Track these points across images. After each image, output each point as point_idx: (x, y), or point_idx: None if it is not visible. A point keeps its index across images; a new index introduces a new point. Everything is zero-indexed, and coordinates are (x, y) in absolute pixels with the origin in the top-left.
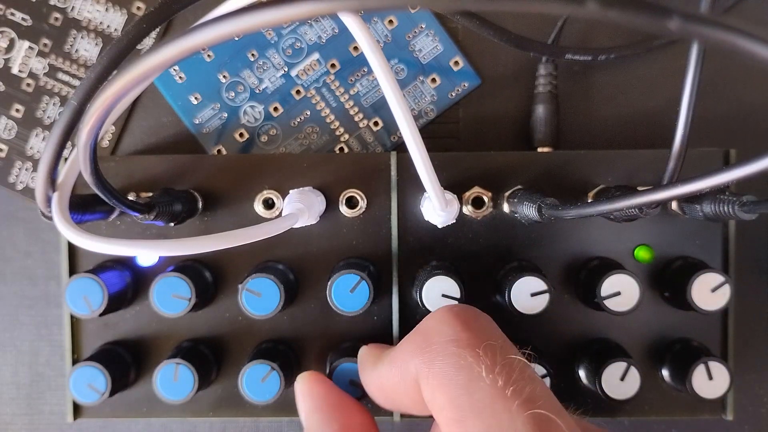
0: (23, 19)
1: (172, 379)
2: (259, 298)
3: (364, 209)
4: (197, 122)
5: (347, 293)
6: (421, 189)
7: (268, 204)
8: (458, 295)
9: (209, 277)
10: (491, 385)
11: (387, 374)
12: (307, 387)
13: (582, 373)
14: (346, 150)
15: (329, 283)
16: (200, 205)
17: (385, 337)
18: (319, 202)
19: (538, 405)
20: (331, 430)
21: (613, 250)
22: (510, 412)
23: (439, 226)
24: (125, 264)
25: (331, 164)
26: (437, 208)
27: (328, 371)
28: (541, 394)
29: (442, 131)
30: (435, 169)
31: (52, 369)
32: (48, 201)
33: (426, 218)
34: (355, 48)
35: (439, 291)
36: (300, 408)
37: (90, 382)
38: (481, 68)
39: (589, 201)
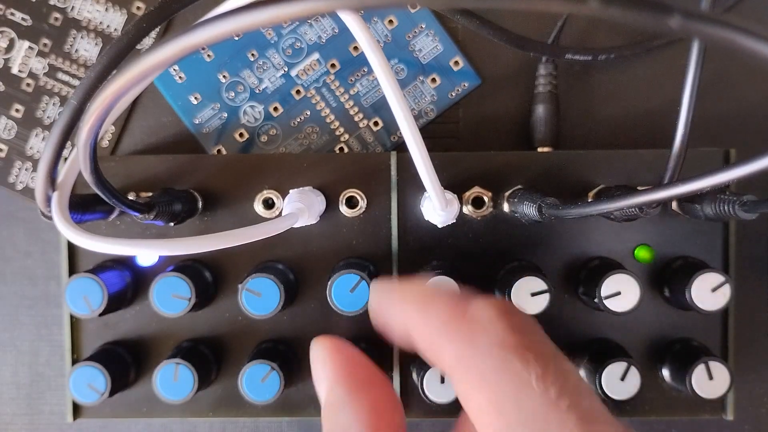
0: (23, 19)
1: (172, 379)
2: (259, 298)
3: (364, 209)
4: (197, 122)
5: (347, 293)
6: (421, 189)
7: (268, 204)
8: None
9: (209, 277)
10: (542, 394)
11: (415, 326)
12: (329, 355)
13: (582, 373)
14: (346, 150)
15: (329, 283)
16: (200, 205)
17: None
18: (319, 202)
19: (597, 422)
20: (358, 409)
21: (613, 250)
22: (565, 426)
23: (439, 226)
24: (125, 264)
25: (331, 164)
26: (437, 208)
27: None
28: (601, 411)
29: (442, 131)
30: (435, 169)
31: (52, 369)
32: (48, 201)
33: (426, 218)
34: (355, 48)
35: None
36: (318, 378)
37: (90, 382)
38: (481, 68)
39: (589, 201)
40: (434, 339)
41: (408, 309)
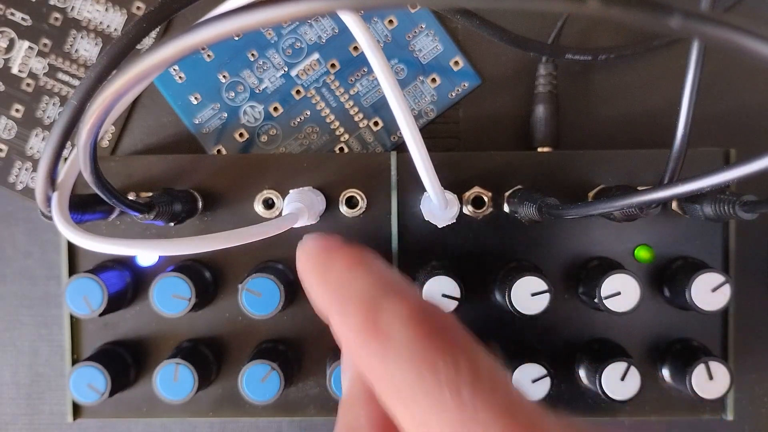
0: (23, 19)
1: (172, 379)
2: (259, 298)
3: (364, 209)
4: (197, 122)
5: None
6: (421, 189)
7: (268, 204)
8: (458, 295)
9: (209, 277)
10: (454, 398)
11: (332, 322)
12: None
13: (582, 373)
14: (346, 150)
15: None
16: (200, 205)
17: None
18: (319, 202)
19: (514, 412)
20: (373, 410)
21: (613, 250)
22: (481, 423)
23: (439, 226)
24: (125, 264)
25: (331, 164)
26: (437, 208)
27: (328, 372)
28: (516, 399)
29: (442, 131)
30: (435, 169)
31: (52, 369)
32: (48, 201)
33: (426, 218)
34: (355, 48)
35: (439, 291)
36: (345, 367)
37: (90, 382)
38: (481, 68)
39: (589, 201)
40: (351, 346)
41: (326, 300)
